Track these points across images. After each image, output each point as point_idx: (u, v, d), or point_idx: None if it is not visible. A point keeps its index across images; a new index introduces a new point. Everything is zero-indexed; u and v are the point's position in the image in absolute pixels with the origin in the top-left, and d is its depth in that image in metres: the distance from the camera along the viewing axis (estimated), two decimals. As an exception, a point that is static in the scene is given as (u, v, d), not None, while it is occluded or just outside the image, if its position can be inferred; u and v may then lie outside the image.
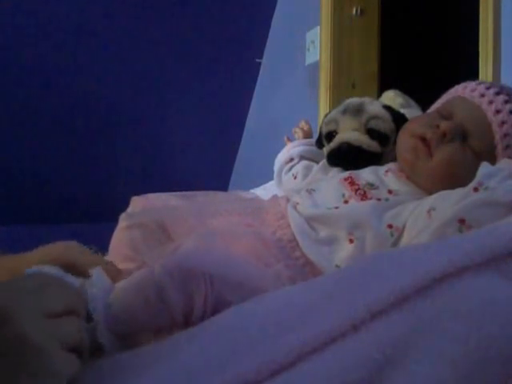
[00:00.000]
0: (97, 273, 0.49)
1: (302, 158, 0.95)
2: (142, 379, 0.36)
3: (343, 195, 0.67)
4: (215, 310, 0.49)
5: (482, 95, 0.67)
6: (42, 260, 0.50)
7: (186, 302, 0.48)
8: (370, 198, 0.65)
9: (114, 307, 0.47)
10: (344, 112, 0.84)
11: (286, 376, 0.31)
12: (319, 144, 0.92)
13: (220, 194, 0.83)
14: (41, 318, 0.35)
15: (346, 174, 0.72)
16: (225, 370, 0.32)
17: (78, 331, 0.38)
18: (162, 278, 0.48)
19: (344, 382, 0.30)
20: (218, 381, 0.31)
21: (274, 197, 0.74)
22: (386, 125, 0.81)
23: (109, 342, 0.45)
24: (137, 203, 0.71)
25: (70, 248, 0.54)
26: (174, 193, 0.75)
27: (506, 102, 0.66)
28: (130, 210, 0.71)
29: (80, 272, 0.50)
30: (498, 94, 0.67)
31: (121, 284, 0.51)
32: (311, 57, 2.13)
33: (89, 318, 0.45)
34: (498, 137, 0.66)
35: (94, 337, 0.44)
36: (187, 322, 0.49)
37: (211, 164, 2.58)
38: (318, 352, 0.32)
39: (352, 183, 0.68)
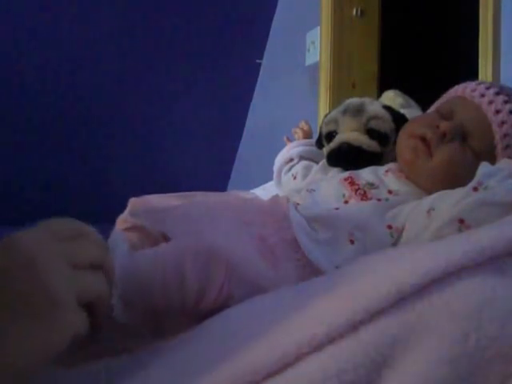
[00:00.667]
0: (120, 234, 0.48)
1: (301, 158, 0.95)
2: (140, 379, 0.36)
3: (343, 195, 0.66)
4: (224, 303, 0.48)
5: (482, 95, 0.67)
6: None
7: (201, 287, 0.48)
8: (370, 198, 0.65)
9: (130, 275, 0.46)
10: (344, 112, 0.84)
11: (284, 376, 0.31)
12: (319, 144, 0.92)
13: (219, 195, 0.83)
14: (65, 267, 0.34)
15: (346, 174, 0.72)
16: (222, 370, 0.32)
17: (100, 286, 0.37)
18: (185, 257, 0.47)
19: (342, 382, 0.30)
20: (216, 381, 0.31)
21: (275, 197, 0.73)
22: (385, 125, 0.81)
23: (118, 306, 0.44)
24: (135, 204, 0.71)
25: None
26: (172, 193, 0.75)
27: (506, 102, 0.66)
28: (128, 211, 0.70)
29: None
30: (497, 94, 0.67)
31: (142, 253, 0.50)
32: (311, 57, 2.13)
33: None
34: (497, 137, 0.66)
35: None
36: (195, 308, 0.48)
37: (211, 164, 2.59)
38: (316, 352, 0.32)
39: (352, 183, 0.68)
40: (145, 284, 0.47)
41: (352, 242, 0.61)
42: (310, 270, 0.60)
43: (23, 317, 0.31)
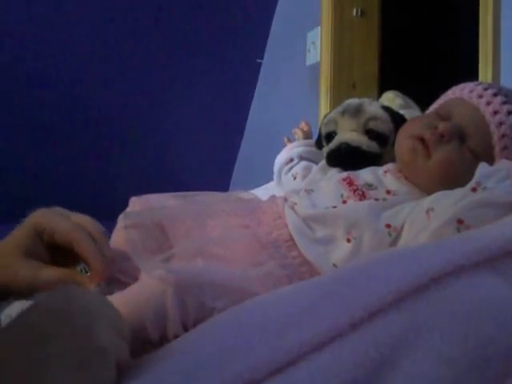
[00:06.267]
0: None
1: (301, 158, 0.96)
2: (140, 379, 0.36)
3: (342, 195, 0.67)
4: (199, 319, 0.49)
5: (480, 96, 0.68)
6: (21, 232, 0.48)
7: (181, 319, 0.48)
8: (369, 199, 0.65)
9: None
10: (343, 113, 0.85)
11: (285, 375, 0.31)
12: (319, 145, 0.92)
13: (218, 195, 0.83)
14: (113, 333, 0.36)
15: (345, 174, 0.72)
16: (223, 369, 0.32)
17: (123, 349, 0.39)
18: (167, 294, 0.48)
19: (342, 381, 0.30)
20: (217, 380, 0.31)
21: (272, 197, 0.74)
22: (384, 125, 0.82)
23: None
24: (136, 204, 0.71)
25: (47, 214, 0.49)
26: (172, 193, 0.75)
27: (504, 102, 0.66)
28: (128, 210, 0.71)
29: (61, 240, 0.47)
30: (495, 95, 0.67)
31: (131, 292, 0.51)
32: (312, 57, 2.13)
33: None
34: (495, 137, 0.66)
35: None
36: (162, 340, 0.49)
37: (212, 164, 2.59)
38: (316, 351, 0.32)
39: (351, 183, 0.68)
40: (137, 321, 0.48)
41: (349, 240, 0.61)
42: (306, 269, 0.60)
43: (74, 366, 0.31)
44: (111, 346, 0.34)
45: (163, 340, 0.48)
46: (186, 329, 0.48)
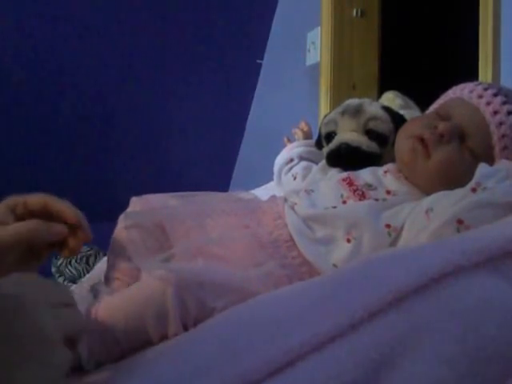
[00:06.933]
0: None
1: (301, 158, 0.96)
2: (141, 379, 0.36)
3: (341, 195, 0.67)
4: (199, 319, 0.49)
5: (480, 96, 0.67)
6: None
7: (182, 319, 0.49)
8: (369, 199, 0.65)
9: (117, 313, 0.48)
10: (343, 113, 0.85)
11: (285, 375, 0.31)
12: (319, 145, 0.92)
13: (218, 195, 0.83)
14: (49, 308, 0.35)
15: (345, 174, 0.72)
16: (224, 369, 0.32)
17: (77, 321, 0.38)
18: (166, 295, 0.48)
19: (342, 381, 0.30)
20: (217, 380, 0.31)
21: (272, 197, 0.74)
22: (384, 126, 0.82)
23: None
24: (136, 204, 0.72)
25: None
26: (173, 193, 0.75)
27: (504, 102, 0.66)
28: (129, 210, 0.71)
29: (33, 204, 0.47)
30: (495, 95, 0.67)
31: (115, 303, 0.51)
32: (312, 58, 2.14)
33: None
34: (495, 138, 0.66)
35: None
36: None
37: (212, 164, 2.59)
38: (316, 352, 0.32)
39: (350, 183, 0.68)
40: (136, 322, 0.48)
41: (349, 240, 0.61)
42: (306, 269, 0.60)
43: (19, 359, 0.31)
44: (55, 331, 0.34)
45: (163, 340, 0.48)
46: (186, 328, 0.48)
